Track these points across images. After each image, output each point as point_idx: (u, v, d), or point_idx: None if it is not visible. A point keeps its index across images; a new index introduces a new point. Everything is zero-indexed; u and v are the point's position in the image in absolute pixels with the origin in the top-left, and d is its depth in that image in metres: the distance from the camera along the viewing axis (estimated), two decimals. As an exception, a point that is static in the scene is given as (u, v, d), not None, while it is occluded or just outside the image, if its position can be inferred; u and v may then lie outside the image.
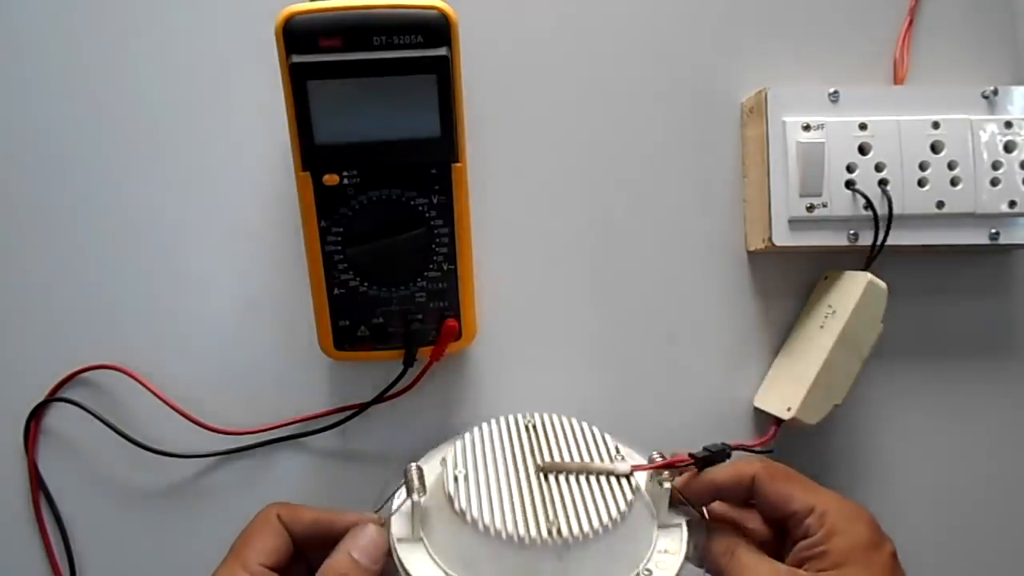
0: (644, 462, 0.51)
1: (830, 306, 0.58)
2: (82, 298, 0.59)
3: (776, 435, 0.58)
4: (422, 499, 0.48)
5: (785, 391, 0.58)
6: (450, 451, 0.50)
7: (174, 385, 0.58)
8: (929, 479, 0.63)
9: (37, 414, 0.59)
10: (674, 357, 0.61)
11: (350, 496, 0.60)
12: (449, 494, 0.47)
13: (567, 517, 0.45)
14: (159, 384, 0.58)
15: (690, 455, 0.51)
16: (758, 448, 0.57)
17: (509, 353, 0.60)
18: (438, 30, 0.48)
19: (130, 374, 0.58)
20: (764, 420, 0.61)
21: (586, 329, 0.61)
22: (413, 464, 0.49)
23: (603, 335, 0.61)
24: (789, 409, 0.57)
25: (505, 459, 0.49)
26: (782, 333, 0.62)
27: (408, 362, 0.55)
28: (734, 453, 0.51)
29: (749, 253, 0.62)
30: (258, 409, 0.59)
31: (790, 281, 0.62)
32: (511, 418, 0.53)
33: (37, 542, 0.59)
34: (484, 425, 0.52)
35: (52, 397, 0.59)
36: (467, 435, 0.51)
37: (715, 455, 0.51)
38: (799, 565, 0.46)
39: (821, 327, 0.58)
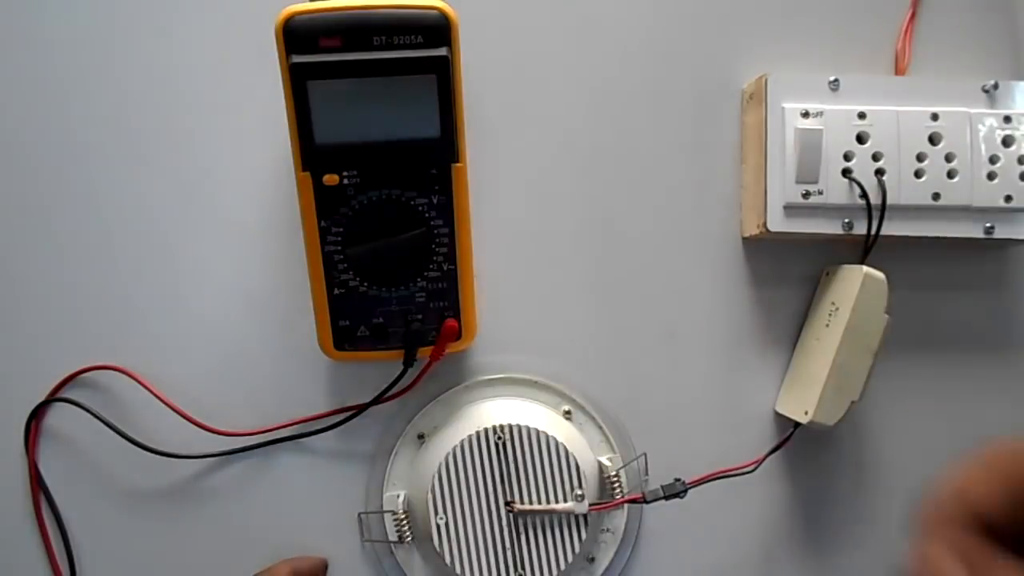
0: (613, 458, 0.60)
1: (833, 303, 0.58)
2: (82, 298, 0.59)
3: (786, 444, 0.59)
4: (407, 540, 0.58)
5: (801, 394, 0.59)
6: (431, 484, 0.56)
7: (174, 385, 0.58)
8: (922, 473, 0.63)
9: (37, 414, 0.59)
10: (673, 351, 0.62)
11: (350, 496, 0.60)
12: (434, 546, 0.55)
13: (531, 565, 0.56)
14: (159, 384, 0.58)
15: (643, 494, 0.56)
16: (743, 471, 0.58)
17: (509, 353, 0.60)
18: (438, 30, 0.47)
19: (130, 374, 0.58)
20: (757, 421, 0.62)
21: (586, 326, 0.61)
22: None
23: (604, 331, 0.61)
24: (806, 413, 0.57)
25: (479, 498, 0.56)
26: (775, 321, 0.62)
27: (408, 362, 0.55)
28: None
29: (744, 239, 0.62)
30: (258, 409, 0.59)
31: (785, 269, 0.62)
32: (482, 435, 0.56)
33: (37, 542, 0.59)
34: (457, 449, 0.56)
35: (52, 397, 0.59)
36: (442, 467, 0.56)
37: (668, 495, 0.56)
38: None
39: (827, 325, 0.58)
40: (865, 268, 0.56)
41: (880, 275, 0.56)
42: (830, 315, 0.58)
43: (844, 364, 0.56)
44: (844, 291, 0.57)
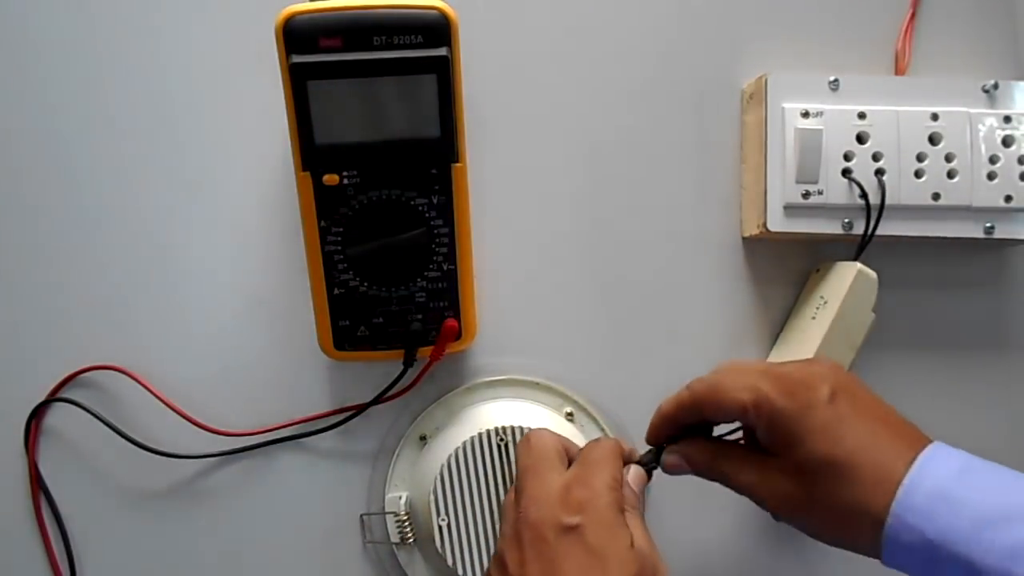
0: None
1: (822, 297, 0.58)
2: (82, 298, 0.59)
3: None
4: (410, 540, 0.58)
5: None
6: (433, 486, 0.56)
7: (174, 385, 0.58)
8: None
9: (37, 414, 0.59)
10: (674, 351, 0.62)
11: (351, 497, 0.60)
12: (436, 547, 0.55)
13: None
14: (159, 384, 0.58)
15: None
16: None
17: (510, 354, 0.61)
18: (438, 30, 0.48)
19: (130, 374, 0.58)
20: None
21: (587, 327, 0.61)
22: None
23: (605, 331, 0.61)
24: None
25: (482, 500, 0.56)
26: (775, 321, 0.62)
27: (408, 362, 0.56)
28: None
29: (744, 239, 0.62)
30: (258, 409, 0.59)
31: (784, 269, 0.62)
32: (485, 436, 0.56)
33: (37, 542, 0.59)
34: (459, 451, 0.56)
35: (52, 397, 0.59)
36: (444, 469, 0.56)
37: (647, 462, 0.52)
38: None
39: (813, 318, 0.58)
40: (858, 265, 0.56)
41: (872, 273, 0.56)
42: (817, 308, 0.58)
43: (826, 356, 0.56)
44: (835, 286, 0.57)
